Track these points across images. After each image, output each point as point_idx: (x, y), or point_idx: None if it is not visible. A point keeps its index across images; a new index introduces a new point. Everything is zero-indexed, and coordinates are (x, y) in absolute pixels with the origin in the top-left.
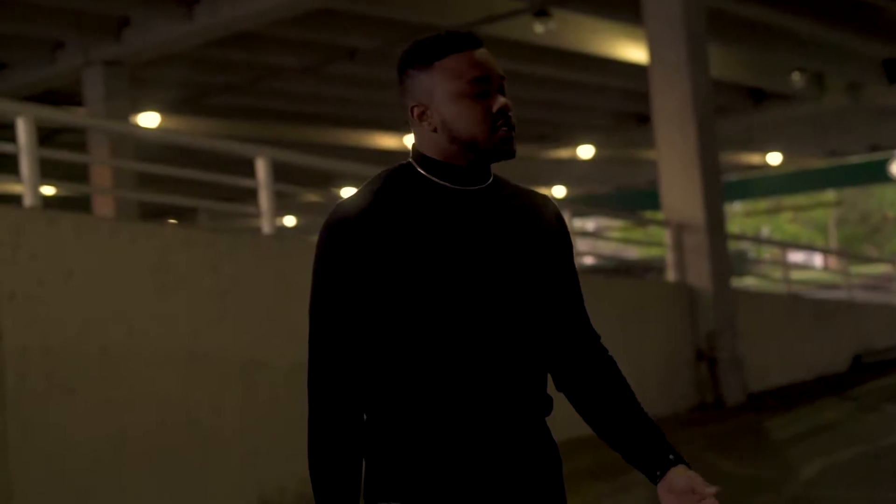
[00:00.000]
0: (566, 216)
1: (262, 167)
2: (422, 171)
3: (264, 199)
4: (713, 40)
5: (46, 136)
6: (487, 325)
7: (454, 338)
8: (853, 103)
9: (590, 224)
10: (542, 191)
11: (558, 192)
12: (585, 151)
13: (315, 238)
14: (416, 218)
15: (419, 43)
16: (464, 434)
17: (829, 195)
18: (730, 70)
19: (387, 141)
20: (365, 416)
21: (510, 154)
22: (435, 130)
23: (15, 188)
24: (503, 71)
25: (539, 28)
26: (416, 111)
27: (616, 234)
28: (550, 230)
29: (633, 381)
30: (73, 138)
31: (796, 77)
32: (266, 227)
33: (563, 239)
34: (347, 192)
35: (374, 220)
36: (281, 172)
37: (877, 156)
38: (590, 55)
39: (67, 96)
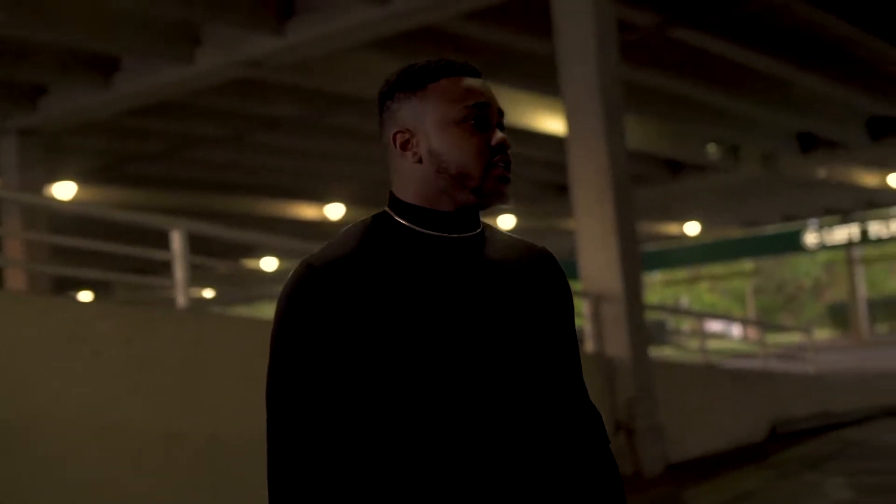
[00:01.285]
0: None
1: (177, 239)
2: (399, 220)
3: (179, 271)
4: (630, 112)
5: None
6: (477, 396)
7: (438, 413)
8: (768, 174)
9: None
10: None
11: None
12: (506, 221)
13: (232, 309)
14: (394, 273)
15: (409, 67)
16: None
17: (747, 265)
18: (647, 141)
19: (308, 211)
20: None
21: (503, 198)
22: (420, 161)
23: None
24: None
25: None
26: (398, 138)
27: None
28: (549, 287)
29: None
30: None
31: (712, 148)
32: (181, 299)
33: (563, 298)
34: (267, 262)
35: (346, 278)
36: (199, 243)
37: (791, 226)
38: (511, 126)
39: None
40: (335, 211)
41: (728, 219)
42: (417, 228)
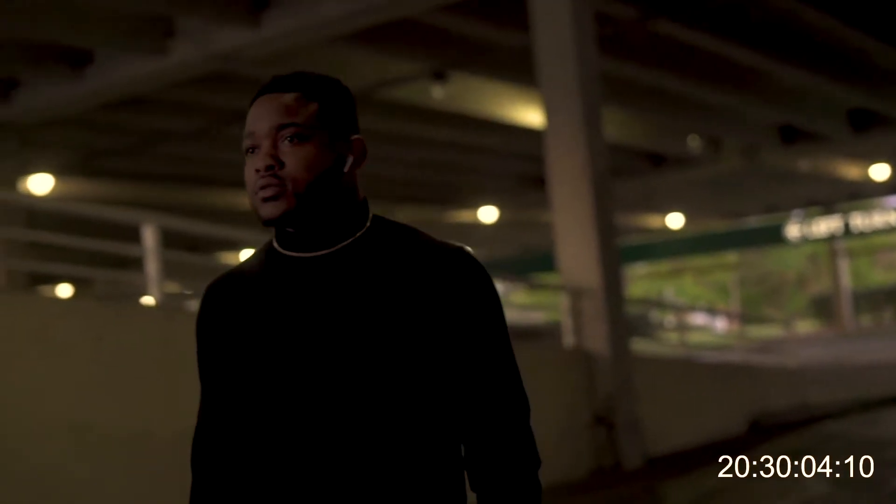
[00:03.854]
0: None
1: (149, 234)
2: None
3: (152, 267)
4: (611, 104)
5: None
6: (298, 410)
7: (266, 423)
8: (750, 166)
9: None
10: None
11: None
12: (488, 214)
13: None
14: (251, 290)
15: None
16: None
17: (730, 257)
18: (628, 134)
19: None
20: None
21: (267, 221)
22: None
23: None
24: (288, 118)
25: (437, 92)
26: None
27: (521, 299)
28: (417, 300)
29: None
30: None
31: (693, 141)
32: (154, 294)
33: (446, 308)
34: (245, 256)
35: (221, 293)
36: (174, 237)
37: (774, 218)
38: (489, 119)
39: None
40: None
41: (711, 211)
42: (277, 247)
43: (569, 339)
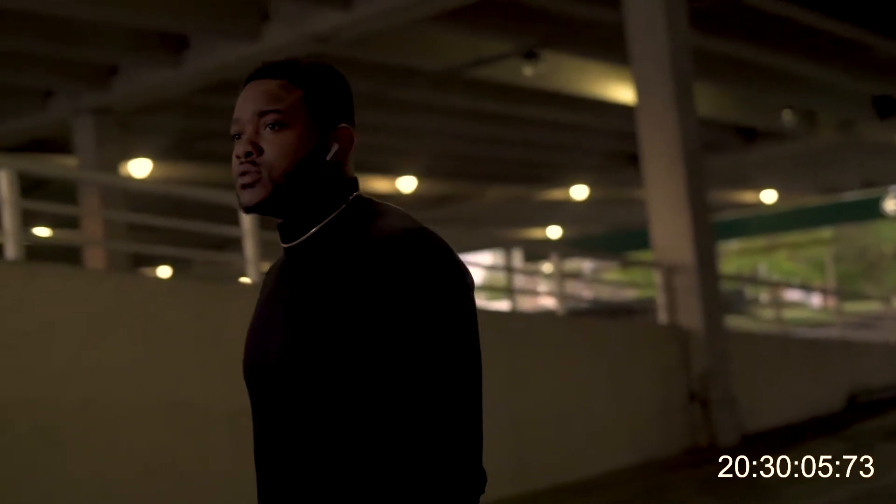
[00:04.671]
0: (554, 258)
1: (247, 215)
2: None
3: (249, 247)
4: (702, 79)
5: (36, 184)
6: (261, 403)
7: (254, 419)
8: (845, 140)
9: (586, 265)
10: (536, 232)
11: (553, 232)
12: (579, 192)
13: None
14: (267, 279)
15: None
16: None
17: (826, 232)
18: (720, 109)
19: (379, 185)
20: None
21: (245, 209)
22: None
23: None
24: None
25: (528, 70)
26: None
27: (614, 276)
28: (353, 292)
29: (625, 424)
30: (65, 185)
31: (787, 115)
32: (251, 275)
33: (376, 302)
34: None
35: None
36: (270, 219)
37: (871, 192)
38: (580, 96)
39: (58, 144)
40: (407, 184)
41: (805, 186)
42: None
43: (663, 316)
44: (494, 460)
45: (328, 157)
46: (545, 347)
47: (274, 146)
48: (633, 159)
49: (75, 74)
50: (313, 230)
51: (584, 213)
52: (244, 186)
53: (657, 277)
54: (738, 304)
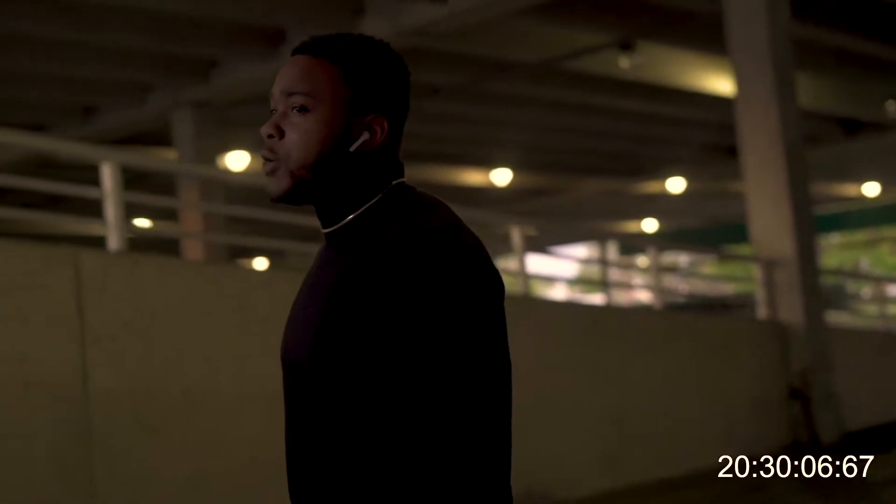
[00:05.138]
0: (651, 252)
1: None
2: None
3: None
4: (802, 70)
5: (136, 177)
6: (290, 392)
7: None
8: None
9: (682, 259)
10: (632, 225)
11: (649, 226)
12: (675, 185)
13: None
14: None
15: None
16: None
17: None
18: (821, 100)
19: (474, 177)
20: None
21: (271, 198)
22: None
23: (100, 231)
24: (300, 87)
25: (624, 62)
26: None
27: (711, 270)
28: (364, 291)
29: (722, 419)
30: (164, 178)
31: (891, 105)
32: None
33: (382, 304)
34: None
35: None
36: None
37: None
38: (677, 88)
39: (157, 138)
40: (501, 176)
41: None
42: None
43: (762, 311)
44: (589, 454)
45: (352, 149)
46: (641, 342)
47: (296, 132)
48: (730, 151)
49: (175, 69)
50: (349, 218)
51: (680, 206)
52: (267, 174)
53: (756, 272)
54: (839, 299)
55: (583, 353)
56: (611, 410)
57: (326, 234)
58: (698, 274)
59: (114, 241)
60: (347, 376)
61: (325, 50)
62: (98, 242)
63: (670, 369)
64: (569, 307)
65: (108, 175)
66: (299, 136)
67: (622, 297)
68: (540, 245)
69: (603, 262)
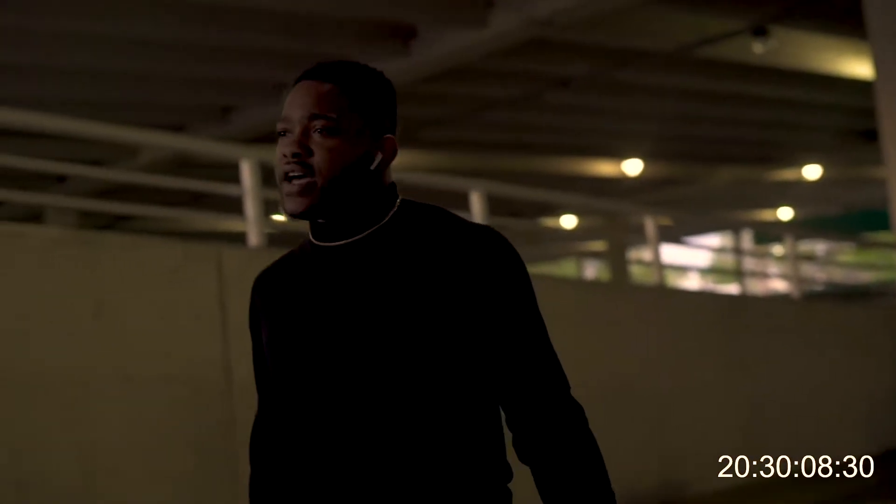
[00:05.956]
0: (788, 240)
1: (476, 200)
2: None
3: None
4: None
5: (273, 174)
6: (328, 401)
7: (294, 409)
8: None
9: (819, 247)
10: (766, 214)
11: (784, 214)
12: (811, 172)
13: (534, 267)
14: (289, 278)
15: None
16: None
17: None
18: None
19: (604, 168)
20: None
21: (292, 215)
22: None
23: (240, 227)
24: (323, 108)
25: (758, 48)
26: None
27: (849, 258)
28: (444, 282)
29: (861, 411)
30: None
31: None
32: None
33: (474, 289)
34: (566, 221)
35: (265, 282)
36: (496, 203)
37: None
38: (812, 72)
39: None
40: (633, 167)
41: None
42: (310, 237)
43: None
44: (726, 446)
45: (371, 167)
46: (780, 331)
47: (323, 151)
48: (867, 136)
49: (306, 67)
50: (371, 229)
51: (816, 194)
52: (289, 195)
53: None
54: None
55: (718, 343)
56: (747, 402)
57: (329, 247)
58: (836, 262)
59: (253, 237)
60: (445, 355)
61: (335, 77)
62: (239, 238)
63: (808, 360)
64: (704, 297)
65: (247, 172)
66: (328, 154)
67: (757, 287)
68: (674, 235)
69: (738, 251)
